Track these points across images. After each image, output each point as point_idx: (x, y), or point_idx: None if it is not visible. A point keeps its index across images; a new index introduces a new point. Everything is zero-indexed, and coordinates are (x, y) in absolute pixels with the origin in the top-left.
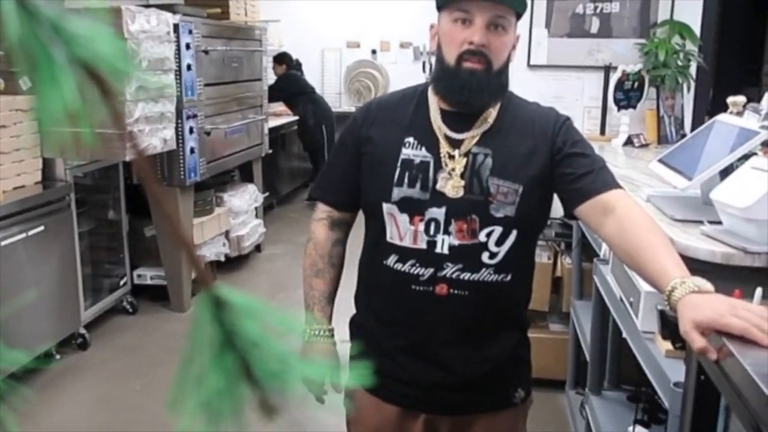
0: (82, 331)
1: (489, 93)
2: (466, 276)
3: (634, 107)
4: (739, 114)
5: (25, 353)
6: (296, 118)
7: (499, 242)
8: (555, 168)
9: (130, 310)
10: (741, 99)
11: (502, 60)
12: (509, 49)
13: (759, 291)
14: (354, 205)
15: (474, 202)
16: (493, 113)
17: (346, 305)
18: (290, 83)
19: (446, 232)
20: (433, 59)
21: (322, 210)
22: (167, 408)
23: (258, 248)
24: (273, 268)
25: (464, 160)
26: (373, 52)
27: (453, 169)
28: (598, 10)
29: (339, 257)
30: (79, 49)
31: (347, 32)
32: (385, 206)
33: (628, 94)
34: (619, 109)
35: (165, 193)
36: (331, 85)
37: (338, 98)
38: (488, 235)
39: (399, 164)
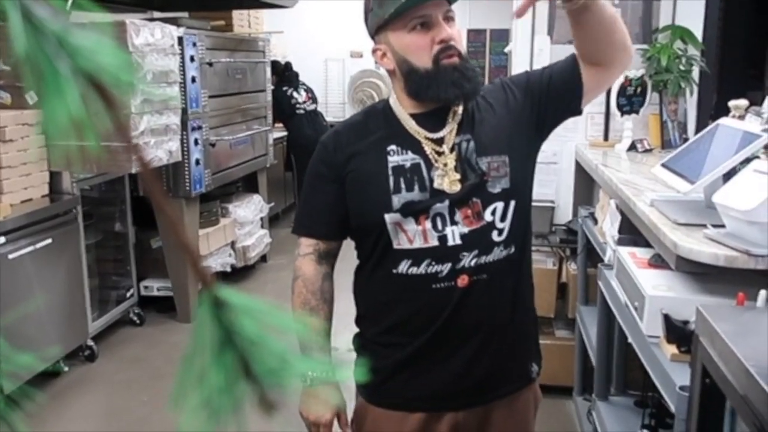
0: (90, 342)
1: (474, 79)
2: (483, 260)
3: (637, 112)
4: (742, 118)
5: (35, 358)
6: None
7: (503, 217)
8: (548, 103)
9: (137, 321)
10: (743, 102)
11: (464, 48)
12: None
13: (763, 293)
14: (341, 234)
15: (472, 187)
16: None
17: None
18: (271, 102)
19: (453, 222)
20: (390, 78)
21: (307, 245)
22: (170, 406)
23: (264, 258)
24: (279, 277)
25: (453, 154)
26: (376, 62)
27: (445, 164)
28: None
29: (330, 292)
30: (82, 61)
31: (350, 42)
32: (388, 217)
33: (630, 100)
34: (622, 115)
35: (168, 200)
36: (334, 95)
37: (342, 108)
38: (492, 213)
39: (390, 172)
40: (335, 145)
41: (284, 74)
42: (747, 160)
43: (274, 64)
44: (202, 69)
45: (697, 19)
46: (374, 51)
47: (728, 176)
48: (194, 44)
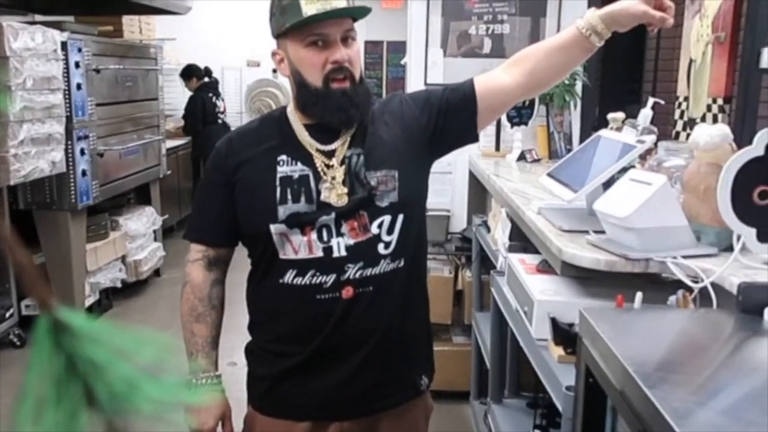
0: None
1: (363, 104)
2: (368, 272)
3: (526, 124)
4: (619, 129)
5: None
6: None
7: (390, 230)
8: (443, 127)
9: (18, 343)
10: (620, 115)
11: (359, 69)
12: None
13: (639, 295)
14: (231, 240)
15: (360, 200)
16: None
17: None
18: (199, 105)
19: (339, 234)
20: (286, 82)
21: (197, 250)
22: None
23: (157, 272)
24: (174, 292)
25: (343, 167)
26: (274, 71)
27: (334, 178)
28: (489, 31)
29: (219, 298)
30: None
31: (247, 51)
32: (273, 227)
33: (520, 112)
34: (512, 126)
35: None
36: (231, 105)
37: (239, 117)
38: (379, 226)
39: (278, 183)
40: (228, 150)
41: (205, 80)
42: (624, 170)
43: (194, 68)
44: (88, 75)
45: None
46: (273, 54)
47: (608, 185)
48: (79, 50)
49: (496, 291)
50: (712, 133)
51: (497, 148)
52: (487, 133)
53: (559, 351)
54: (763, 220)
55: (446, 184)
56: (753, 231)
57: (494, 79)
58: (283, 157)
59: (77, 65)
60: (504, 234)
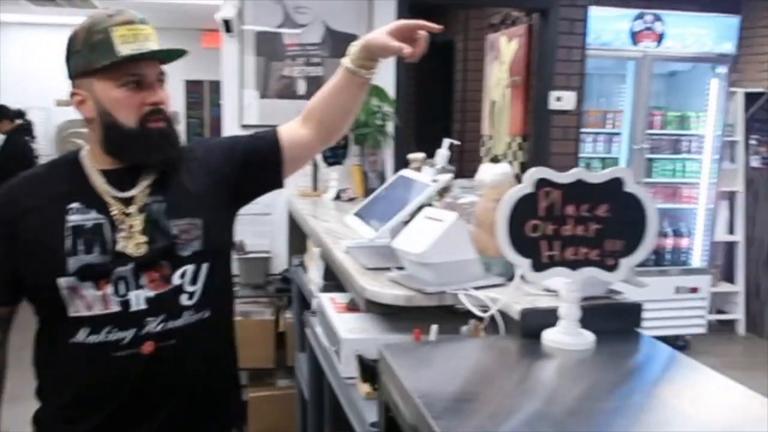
0: None
1: (177, 144)
2: (170, 325)
3: (341, 163)
4: (419, 169)
5: None
6: None
7: (194, 280)
8: (248, 174)
9: None
10: (420, 155)
11: (171, 110)
12: None
13: (434, 327)
14: (11, 298)
15: (160, 250)
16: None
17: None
18: (18, 149)
19: (138, 286)
20: (87, 126)
21: None
22: None
23: None
24: None
25: (141, 215)
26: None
27: (131, 226)
28: (304, 74)
29: (0, 363)
30: None
31: (56, 90)
32: (62, 281)
33: (335, 152)
34: (328, 165)
35: None
36: (40, 147)
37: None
38: (182, 276)
39: (68, 232)
40: (8, 199)
41: (19, 122)
42: (422, 207)
43: (3, 109)
44: None
45: (388, 79)
46: (73, 94)
47: (409, 222)
48: None
49: (311, 331)
50: (496, 172)
51: (314, 188)
52: (304, 173)
53: (366, 388)
54: (536, 251)
55: (265, 225)
56: (528, 261)
57: (295, 131)
58: (75, 205)
59: None
60: (318, 274)
